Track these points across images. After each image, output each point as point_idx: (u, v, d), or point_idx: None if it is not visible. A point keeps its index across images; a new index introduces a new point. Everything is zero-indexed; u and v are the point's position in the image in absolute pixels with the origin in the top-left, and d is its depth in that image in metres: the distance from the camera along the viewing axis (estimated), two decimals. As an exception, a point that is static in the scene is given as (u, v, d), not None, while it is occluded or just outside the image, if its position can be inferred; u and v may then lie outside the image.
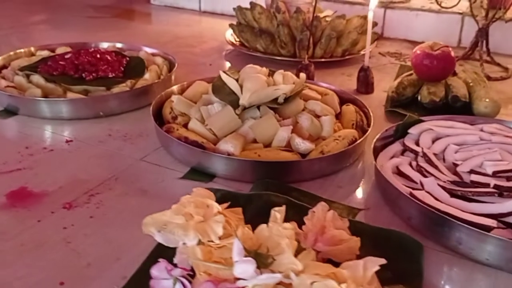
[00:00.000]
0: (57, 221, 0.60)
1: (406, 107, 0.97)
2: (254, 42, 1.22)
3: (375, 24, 1.23)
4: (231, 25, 1.30)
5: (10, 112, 0.89)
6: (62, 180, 0.69)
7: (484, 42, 1.23)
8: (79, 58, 0.98)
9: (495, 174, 0.65)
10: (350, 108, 0.85)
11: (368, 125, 0.82)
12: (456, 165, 0.69)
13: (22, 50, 1.07)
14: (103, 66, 0.98)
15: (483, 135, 0.77)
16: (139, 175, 0.72)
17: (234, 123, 0.76)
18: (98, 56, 1.01)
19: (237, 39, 1.33)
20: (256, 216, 0.57)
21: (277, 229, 0.49)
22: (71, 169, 0.72)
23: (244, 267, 0.45)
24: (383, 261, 0.46)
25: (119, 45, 1.15)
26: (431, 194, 0.62)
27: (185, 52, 1.32)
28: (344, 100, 0.90)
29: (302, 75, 0.85)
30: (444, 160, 0.72)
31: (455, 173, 0.68)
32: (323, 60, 1.20)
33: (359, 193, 0.70)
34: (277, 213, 0.52)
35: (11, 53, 1.05)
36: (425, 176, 0.66)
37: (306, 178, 0.71)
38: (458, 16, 1.41)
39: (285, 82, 0.81)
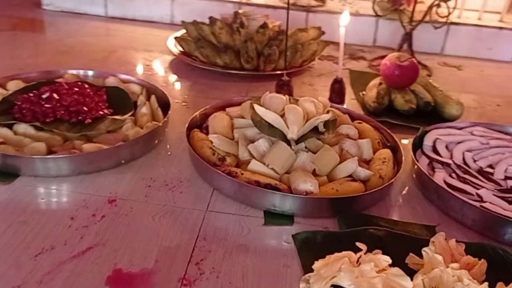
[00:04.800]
0: (191, 302, 0.56)
1: (383, 115, 1.07)
2: (215, 57, 1.19)
3: (322, 32, 1.31)
4: (182, 39, 1.25)
5: (7, 174, 0.74)
6: (150, 252, 0.62)
7: (409, 44, 1.40)
8: (64, 98, 0.85)
9: (525, 178, 0.78)
10: (366, 126, 0.91)
11: (388, 141, 0.89)
12: (485, 171, 0.81)
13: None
14: (91, 103, 0.87)
15: (480, 139, 0.91)
16: (222, 229, 0.68)
17: (292, 158, 0.76)
18: (78, 90, 0.89)
19: (182, 50, 1.28)
20: (372, 251, 0.61)
21: (451, 272, 0.54)
22: (147, 236, 0.65)
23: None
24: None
25: (90, 72, 1.02)
26: (491, 204, 0.72)
27: (126, 70, 1.23)
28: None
29: (325, 100, 0.88)
30: (469, 167, 0.83)
31: (490, 180, 0.79)
32: (278, 72, 1.22)
33: (418, 209, 0.77)
34: (438, 255, 0.56)
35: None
36: (474, 187, 0.77)
37: (372, 204, 0.76)
38: (372, 19, 1.56)
39: (317, 109, 0.84)
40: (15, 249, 0.60)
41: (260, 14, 1.26)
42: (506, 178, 0.79)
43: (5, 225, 0.64)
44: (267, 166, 0.75)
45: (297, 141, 0.79)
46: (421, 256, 0.60)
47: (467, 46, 1.56)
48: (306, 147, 0.80)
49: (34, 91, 0.87)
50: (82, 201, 0.71)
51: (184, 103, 1.07)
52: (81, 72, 1.02)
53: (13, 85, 0.94)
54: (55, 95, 0.86)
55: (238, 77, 1.21)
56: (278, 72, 1.22)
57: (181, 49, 1.30)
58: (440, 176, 0.79)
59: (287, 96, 0.87)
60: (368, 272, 0.52)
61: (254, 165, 0.75)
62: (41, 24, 1.59)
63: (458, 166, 0.81)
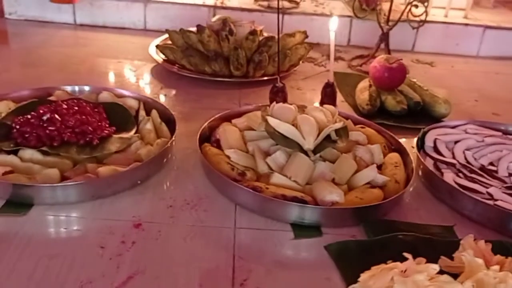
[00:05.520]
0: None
1: (375, 117, 1.10)
2: (203, 66, 1.18)
3: (306, 36, 1.32)
4: (167, 48, 1.23)
5: (20, 205, 0.71)
6: (192, 276, 0.61)
7: (386, 44, 1.44)
8: (66, 119, 0.82)
9: (526, 174, 0.83)
10: (371, 131, 0.93)
11: (392, 144, 0.92)
12: (488, 169, 0.85)
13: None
14: (95, 123, 0.84)
15: (475, 137, 0.95)
16: (255, 246, 0.68)
17: (311, 169, 0.77)
18: (78, 108, 0.86)
19: (165, 58, 1.26)
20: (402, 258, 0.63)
21: (493, 274, 0.56)
22: (184, 259, 0.64)
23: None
24: None
25: (84, 88, 0.98)
26: (503, 201, 0.77)
27: (108, 81, 1.20)
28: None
29: (332, 108, 0.89)
30: (473, 166, 0.87)
31: (495, 178, 0.84)
32: (266, 78, 1.23)
33: (431, 209, 0.80)
34: (478, 259, 0.59)
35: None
36: (483, 186, 0.80)
37: (390, 208, 0.78)
38: (346, 19, 1.59)
39: (326, 117, 0.85)
40: (52, 286, 0.58)
41: (246, 20, 1.25)
42: (510, 175, 0.83)
43: (33, 260, 0.61)
44: (290, 178, 0.75)
45: (314, 151, 0.80)
46: (450, 258, 0.63)
47: (436, 42, 1.62)
48: (321, 156, 0.81)
49: (32, 113, 0.83)
50: (107, 228, 0.68)
51: (180, 114, 1.05)
52: (75, 88, 0.98)
53: (3, 106, 0.89)
54: (56, 116, 0.82)
55: (226, 84, 1.21)
56: (266, 78, 1.22)
57: (163, 57, 1.27)
58: (449, 177, 0.82)
59: (295, 106, 0.87)
60: (422, 282, 0.54)
61: (277, 178, 0.75)
62: (4, 34, 1.51)
63: (464, 166, 0.85)
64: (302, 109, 0.87)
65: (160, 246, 0.66)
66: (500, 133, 0.98)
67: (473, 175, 0.83)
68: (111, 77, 1.23)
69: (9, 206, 0.70)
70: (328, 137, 0.82)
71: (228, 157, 0.79)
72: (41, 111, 0.83)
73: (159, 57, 1.27)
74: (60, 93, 0.96)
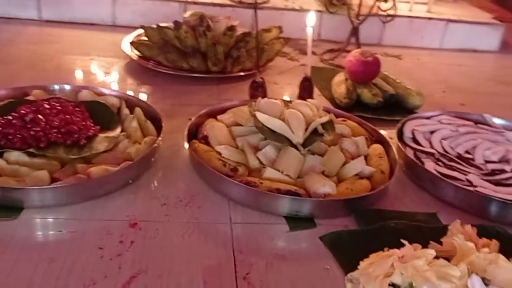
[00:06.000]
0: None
1: (353, 110, 1.13)
2: (181, 62, 1.17)
3: (281, 31, 1.33)
4: (142, 44, 1.21)
5: (9, 208, 0.69)
6: (195, 273, 0.61)
7: (356, 38, 1.47)
8: (50, 119, 0.80)
9: (501, 160, 0.88)
10: (352, 124, 0.96)
11: (373, 136, 0.95)
12: (464, 157, 0.90)
13: None
14: (80, 122, 0.83)
15: (449, 127, 1.00)
16: (253, 240, 0.69)
17: (301, 162, 0.79)
18: (60, 108, 0.84)
19: (140, 55, 1.25)
20: (398, 245, 0.66)
21: (483, 256, 0.60)
22: (184, 257, 0.64)
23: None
24: None
25: (67, 86, 0.95)
26: (482, 187, 0.81)
27: (80, 79, 1.18)
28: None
29: (316, 102, 0.91)
30: (450, 155, 0.91)
31: (472, 165, 0.88)
32: (242, 74, 1.23)
33: (414, 198, 0.84)
34: (469, 242, 0.62)
35: None
36: (462, 174, 0.85)
37: (378, 198, 0.81)
38: (317, 14, 1.61)
39: (312, 112, 0.87)
40: (55, 289, 0.57)
41: (219, 16, 1.25)
42: (486, 162, 0.88)
43: (31, 266, 0.60)
44: (282, 172, 0.77)
45: (303, 145, 0.81)
46: (438, 243, 0.66)
47: (402, 36, 1.67)
48: (309, 150, 0.83)
49: (13, 114, 0.81)
50: (103, 228, 0.68)
51: (161, 112, 1.04)
52: (55, 86, 0.96)
53: (-22, 108, 0.86)
54: (40, 116, 0.80)
55: (204, 80, 1.20)
56: (243, 73, 1.23)
57: (138, 53, 1.25)
58: (431, 166, 0.86)
59: (280, 100, 0.88)
60: (421, 267, 0.57)
61: (270, 173, 0.76)
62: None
63: (442, 155, 0.89)
64: (287, 103, 0.89)
65: (159, 244, 0.66)
66: (471, 123, 1.02)
67: (452, 163, 0.87)
68: (85, 75, 1.21)
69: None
70: (315, 130, 0.84)
71: (219, 153, 0.80)
72: (22, 112, 0.81)
73: (133, 54, 1.26)
74: (37, 93, 0.94)
